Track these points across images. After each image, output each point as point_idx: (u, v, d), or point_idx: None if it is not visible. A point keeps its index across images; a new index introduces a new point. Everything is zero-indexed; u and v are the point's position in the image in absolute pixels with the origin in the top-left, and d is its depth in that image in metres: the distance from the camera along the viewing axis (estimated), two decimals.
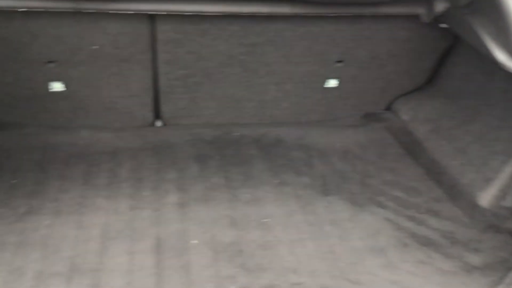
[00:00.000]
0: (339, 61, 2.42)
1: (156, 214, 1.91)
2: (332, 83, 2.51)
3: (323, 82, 2.50)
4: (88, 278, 1.61)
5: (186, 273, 1.65)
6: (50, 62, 2.16)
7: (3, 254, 1.68)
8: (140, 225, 1.85)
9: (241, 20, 2.16)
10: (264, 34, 2.24)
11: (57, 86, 2.25)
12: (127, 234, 1.80)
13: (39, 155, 2.21)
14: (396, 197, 2.10)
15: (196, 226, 1.86)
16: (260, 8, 2.10)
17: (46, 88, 2.25)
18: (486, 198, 1.95)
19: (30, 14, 1.97)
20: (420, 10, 2.22)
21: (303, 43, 2.30)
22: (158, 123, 2.51)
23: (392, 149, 2.46)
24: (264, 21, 2.19)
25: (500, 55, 1.84)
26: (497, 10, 1.77)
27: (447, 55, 2.51)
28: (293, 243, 1.81)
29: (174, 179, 2.12)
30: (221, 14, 2.09)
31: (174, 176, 2.14)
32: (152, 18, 2.11)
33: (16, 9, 1.92)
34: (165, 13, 2.05)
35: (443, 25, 2.30)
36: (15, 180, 2.04)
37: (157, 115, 2.48)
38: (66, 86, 2.27)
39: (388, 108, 2.67)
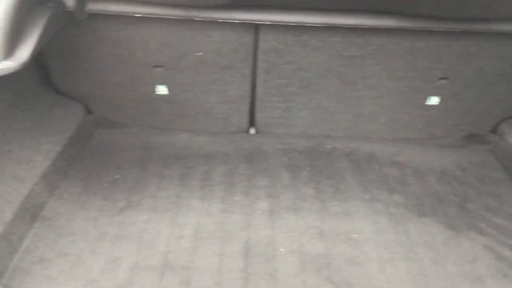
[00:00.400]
0: (443, 78, 2.33)
1: (246, 219, 1.94)
2: (434, 100, 2.41)
3: (424, 99, 2.41)
4: (179, 274, 1.67)
5: (272, 280, 1.66)
6: (157, 66, 2.29)
7: (103, 244, 1.79)
8: (231, 228, 1.89)
9: (343, 32, 2.15)
10: (366, 47, 2.21)
11: (161, 90, 2.38)
12: (218, 236, 1.85)
13: (140, 154, 2.34)
14: (497, 225, 1.97)
15: (285, 235, 1.87)
16: (364, 21, 2.07)
17: (152, 91, 2.38)
18: None
19: (144, 19, 2.10)
20: None
21: (406, 57, 2.24)
22: (252, 130, 2.56)
23: (495, 173, 2.31)
24: (367, 33, 2.16)
25: None
26: None
27: None
28: (383, 262, 1.76)
29: (265, 186, 2.15)
30: (323, 25, 2.10)
31: (266, 183, 2.17)
32: (255, 27, 2.16)
33: (132, 15, 2.06)
34: (268, 23, 2.09)
35: None
36: (118, 175, 2.17)
37: (252, 122, 2.53)
38: (169, 90, 2.38)
39: (493, 130, 2.52)
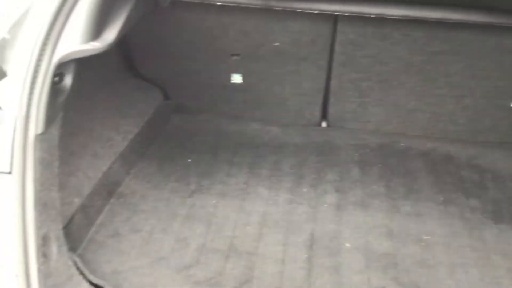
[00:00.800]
0: None
1: (312, 211, 1.93)
2: None
3: (509, 100, 2.27)
4: (244, 259, 1.69)
5: (336, 274, 1.64)
6: (234, 55, 2.32)
7: (173, 224, 1.85)
8: (297, 219, 1.89)
9: (426, 26, 2.07)
10: (450, 43, 2.11)
11: (237, 78, 2.41)
12: (283, 226, 1.85)
13: (212, 140, 2.39)
14: None
15: (351, 230, 1.84)
16: (450, 15, 1.98)
17: (228, 79, 2.41)
18: None
19: (224, 8, 2.13)
20: None
21: (493, 55, 2.12)
22: (324, 124, 2.53)
23: None
24: (452, 28, 2.06)
25: None
26: None
27: None
28: (455, 267, 1.68)
29: (334, 180, 2.12)
30: (405, 18, 2.03)
31: (335, 177, 2.14)
32: (334, 18, 2.13)
33: (214, 3, 2.10)
34: (348, 14, 2.05)
35: None
36: (190, 159, 2.23)
37: (324, 116, 2.50)
38: (244, 79, 2.41)
39: None
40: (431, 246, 1.77)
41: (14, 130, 1.29)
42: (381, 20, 2.07)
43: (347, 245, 1.77)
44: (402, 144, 2.39)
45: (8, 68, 1.33)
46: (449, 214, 1.93)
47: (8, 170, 1.29)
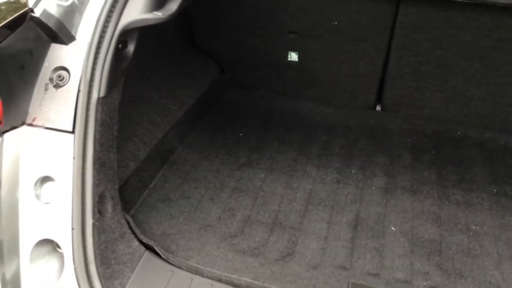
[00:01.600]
0: None
1: (359, 192, 1.93)
2: None
3: None
4: (287, 233, 1.72)
5: (378, 256, 1.64)
6: (291, 32, 2.32)
7: (221, 194, 1.91)
8: (343, 199, 1.89)
9: (493, 11, 1.99)
10: None
11: (293, 56, 2.41)
12: (329, 204, 1.86)
13: (265, 116, 2.42)
14: None
15: (397, 214, 1.83)
16: None
17: (284, 57, 2.42)
18: None
19: None
20: None
21: None
22: (378, 107, 2.50)
23: None
24: None
25: None
26: None
27: None
28: (502, 259, 1.64)
29: (383, 164, 2.10)
30: (471, 2, 1.96)
31: (385, 161, 2.12)
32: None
33: None
34: None
35: None
36: (241, 134, 2.27)
37: (379, 99, 2.47)
38: (300, 58, 2.41)
39: None
40: (479, 236, 1.73)
41: (79, 92, 1.37)
42: (446, 3, 2.01)
43: (392, 228, 1.77)
44: (458, 133, 2.32)
45: (76, 32, 1.41)
46: (502, 205, 1.88)
47: (71, 129, 1.37)
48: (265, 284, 1.48)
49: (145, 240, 1.54)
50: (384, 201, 1.89)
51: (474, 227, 1.77)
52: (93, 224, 1.38)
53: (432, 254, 1.65)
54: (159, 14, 1.44)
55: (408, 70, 2.27)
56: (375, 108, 2.49)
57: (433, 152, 2.19)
